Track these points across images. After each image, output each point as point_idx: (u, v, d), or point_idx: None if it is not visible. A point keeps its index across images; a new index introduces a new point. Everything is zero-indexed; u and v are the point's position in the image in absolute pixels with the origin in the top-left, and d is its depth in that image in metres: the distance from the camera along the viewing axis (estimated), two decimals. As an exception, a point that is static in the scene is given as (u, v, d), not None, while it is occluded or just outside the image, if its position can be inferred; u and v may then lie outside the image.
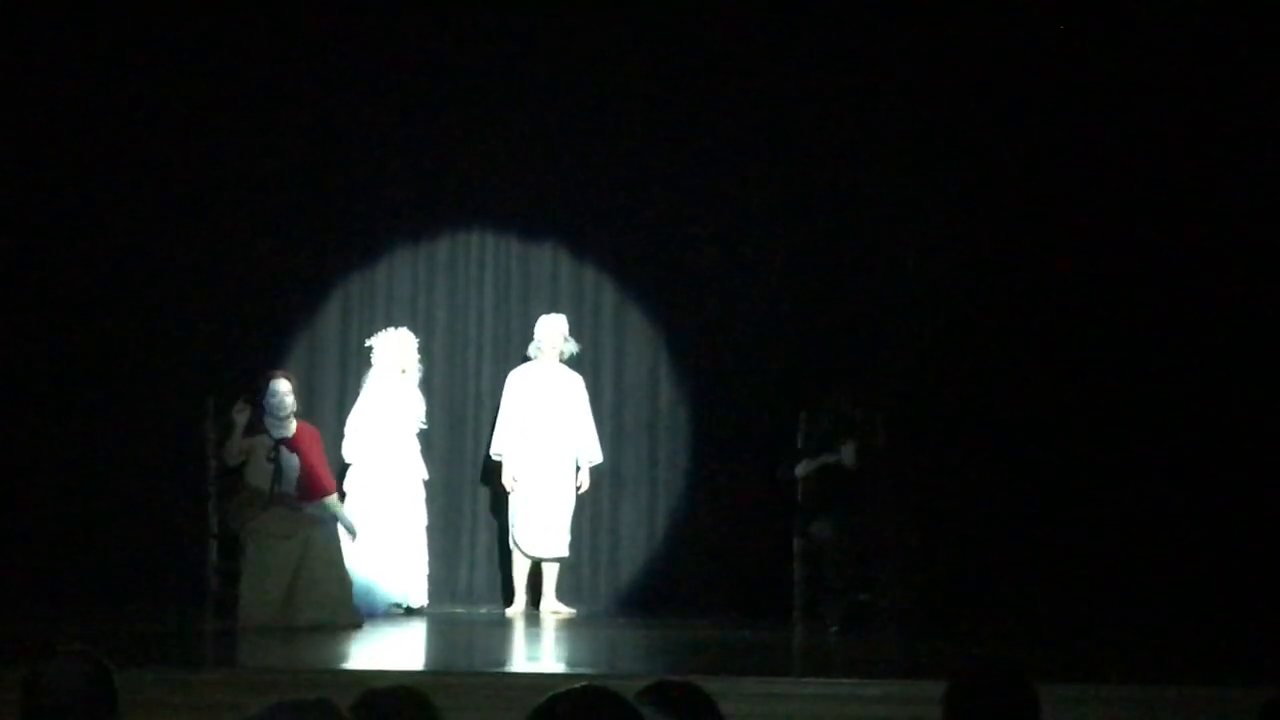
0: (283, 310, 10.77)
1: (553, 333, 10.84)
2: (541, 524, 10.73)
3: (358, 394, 10.86)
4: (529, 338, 11.26)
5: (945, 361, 10.81)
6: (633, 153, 11.38)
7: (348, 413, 10.84)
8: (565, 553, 10.85)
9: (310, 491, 9.84)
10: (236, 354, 10.86)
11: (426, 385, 11.06)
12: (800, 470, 10.38)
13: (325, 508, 9.95)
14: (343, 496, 10.68)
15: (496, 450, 10.92)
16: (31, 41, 10.40)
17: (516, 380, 10.90)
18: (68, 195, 10.77)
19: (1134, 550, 10.38)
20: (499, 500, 11.17)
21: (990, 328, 10.82)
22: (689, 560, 11.23)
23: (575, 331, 11.06)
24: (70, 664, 4.52)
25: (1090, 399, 10.66)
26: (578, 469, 10.97)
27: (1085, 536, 10.53)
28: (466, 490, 11.39)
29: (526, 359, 11.05)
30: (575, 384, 10.86)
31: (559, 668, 8.72)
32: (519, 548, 10.84)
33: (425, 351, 11.05)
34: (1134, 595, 10.24)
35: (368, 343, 10.83)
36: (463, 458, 11.37)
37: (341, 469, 10.79)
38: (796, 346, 11.19)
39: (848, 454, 10.23)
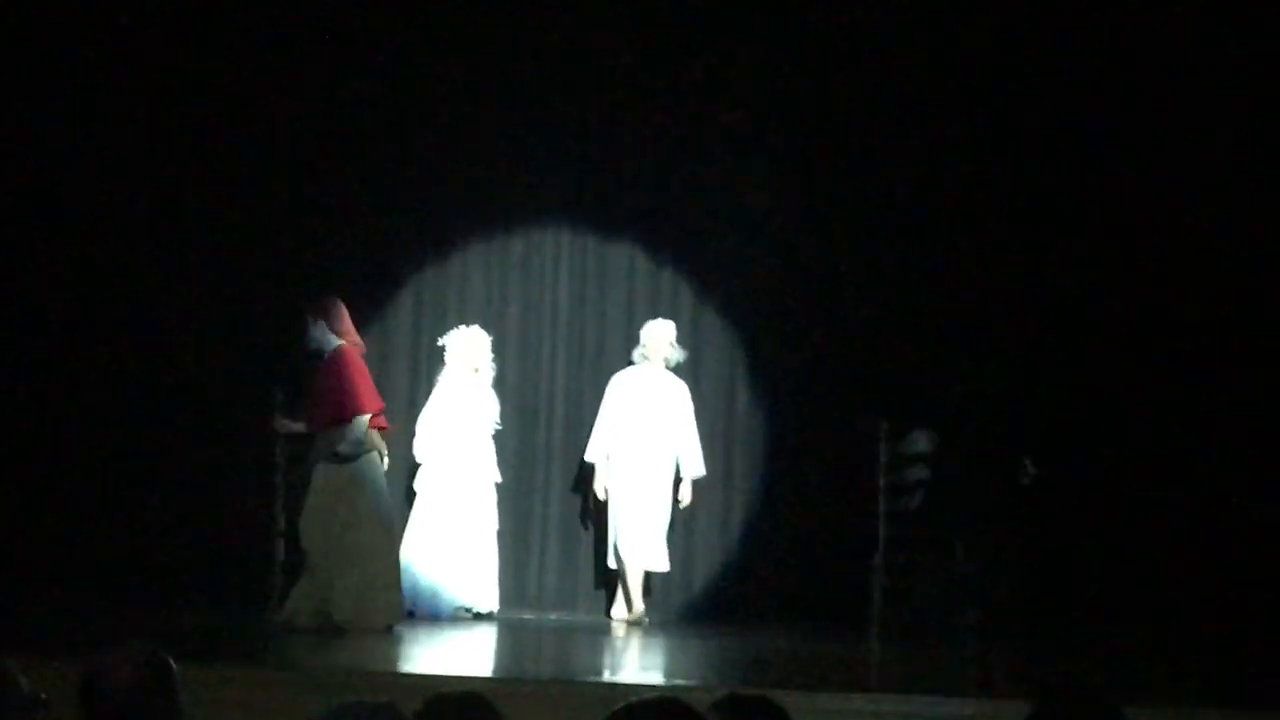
0: (353, 308, 10.16)
1: (660, 338, 10.64)
2: (642, 535, 10.53)
3: (430, 393, 10.81)
4: (604, 338, 11.15)
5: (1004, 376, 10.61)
6: (714, 153, 11.22)
7: (419, 412, 10.78)
8: (666, 566, 10.68)
9: (326, 415, 9.27)
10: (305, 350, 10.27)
11: (499, 386, 10.97)
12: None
13: (350, 432, 9.34)
14: (412, 497, 10.57)
15: (591, 456, 10.73)
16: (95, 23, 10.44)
17: (619, 384, 10.67)
18: (131, 194, 10.83)
19: (1225, 570, 10.23)
20: (595, 507, 11.00)
21: (1071, 339, 10.71)
22: (764, 570, 11.09)
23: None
24: (130, 659, 4.47)
25: (1193, 418, 10.53)
26: (678, 481, 10.72)
27: (1173, 553, 10.34)
28: (538, 494, 11.26)
29: (630, 363, 10.84)
30: (680, 392, 10.65)
31: (631, 677, 8.58)
32: (620, 557, 10.62)
33: (498, 351, 10.95)
34: (1224, 616, 10.13)
35: (440, 341, 10.76)
36: (535, 461, 11.24)
37: (412, 468, 10.74)
38: (877, 355, 10.95)
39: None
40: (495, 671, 8.82)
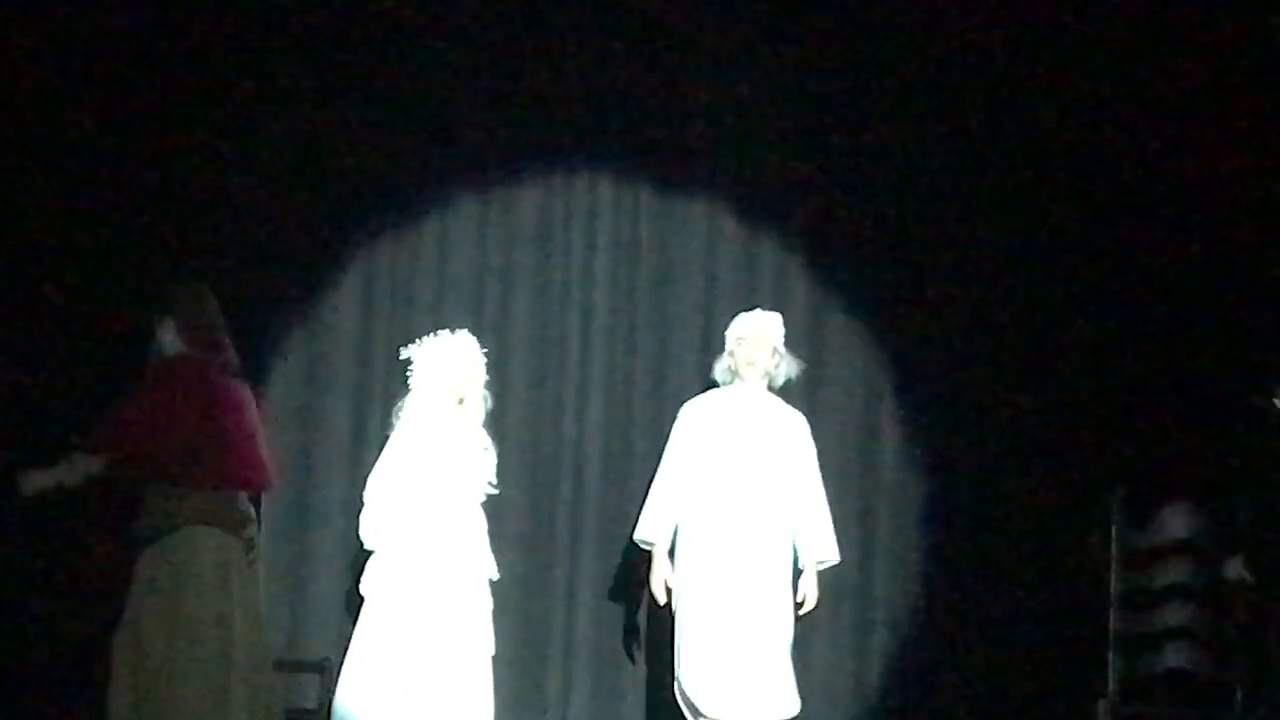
0: (271, 300, 8.80)
1: (761, 341, 8.40)
2: (729, 662, 8.15)
3: (384, 438, 8.51)
4: (666, 347, 9.15)
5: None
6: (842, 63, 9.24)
7: (369, 466, 8.44)
8: (777, 714, 8.24)
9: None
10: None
11: (496, 426, 8.61)
12: None
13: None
14: (356, 607, 8.27)
15: (647, 533, 8.49)
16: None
17: (694, 418, 8.55)
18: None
19: None
20: (650, 617, 8.92)
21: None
22: (931, 666, 9.01)
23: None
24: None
25: None
26: (798, 572, 8.40)
27: None
28: (557, 598, 9.09)
29: (712, 384, 8.63)
30: (795, 428, 8.45)
31: None
32: (687, 699, 8.28)
33: (497, 371, 8.69)
34: None
35: (404, 354, 8.45)
36: (553, 545, 9.12)
37: (356, 561, 8.40)
38: (1105, 383, 9.01)
39: None
40: None
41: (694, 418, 8.57)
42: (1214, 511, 8.41)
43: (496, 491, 8.44)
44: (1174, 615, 8.27)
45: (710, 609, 8.25)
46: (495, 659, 8.37)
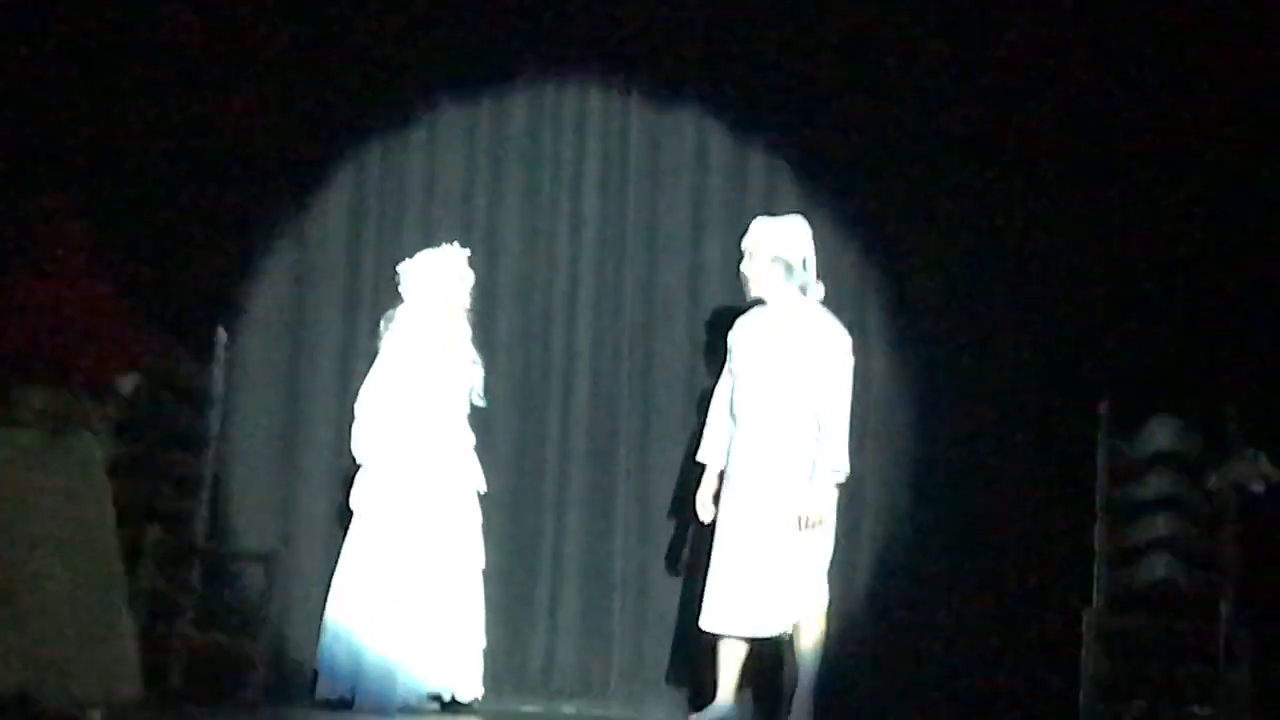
0: (260, 212, 8.49)
1: (751, 256, 7.94)
2: (725, 578, 7.86)
3: (374, 349, 8.36)
4: (654, 262, 8.75)
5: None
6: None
7: (357, 381, 8.31)
8: (773, 629, 7.84)
9: None
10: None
11: (486, 338, 8.54)
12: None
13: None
14: (347, 521, 8.07)
15: (700, 454, 8.15)
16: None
17: (733, 337, 8.11)
18: None
19: None
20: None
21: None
22: (900, 645, 8.57)
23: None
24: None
25: None
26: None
27: None
28: (549, 513, 8.75)
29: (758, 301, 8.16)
30: (817, 344, 7.88)
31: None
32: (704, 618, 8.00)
33: (485, 283, 8.53)
34: None
35: (397, 268, 8.30)
36: (543, 460, 8.79)
37: (347, 476, 8.21)
38: (1092, 286, 8.63)
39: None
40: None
41: (733, 336, 8.17)
42: (1201, 424, 8.07)
43: (484, 404, 8.26)
44: (1160, 527, 7.95)
45: (721, 527, 7.95)
46: (485, 573, 8.18)
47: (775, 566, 7.72)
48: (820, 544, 7.69)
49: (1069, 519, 8.24)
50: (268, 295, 8.57)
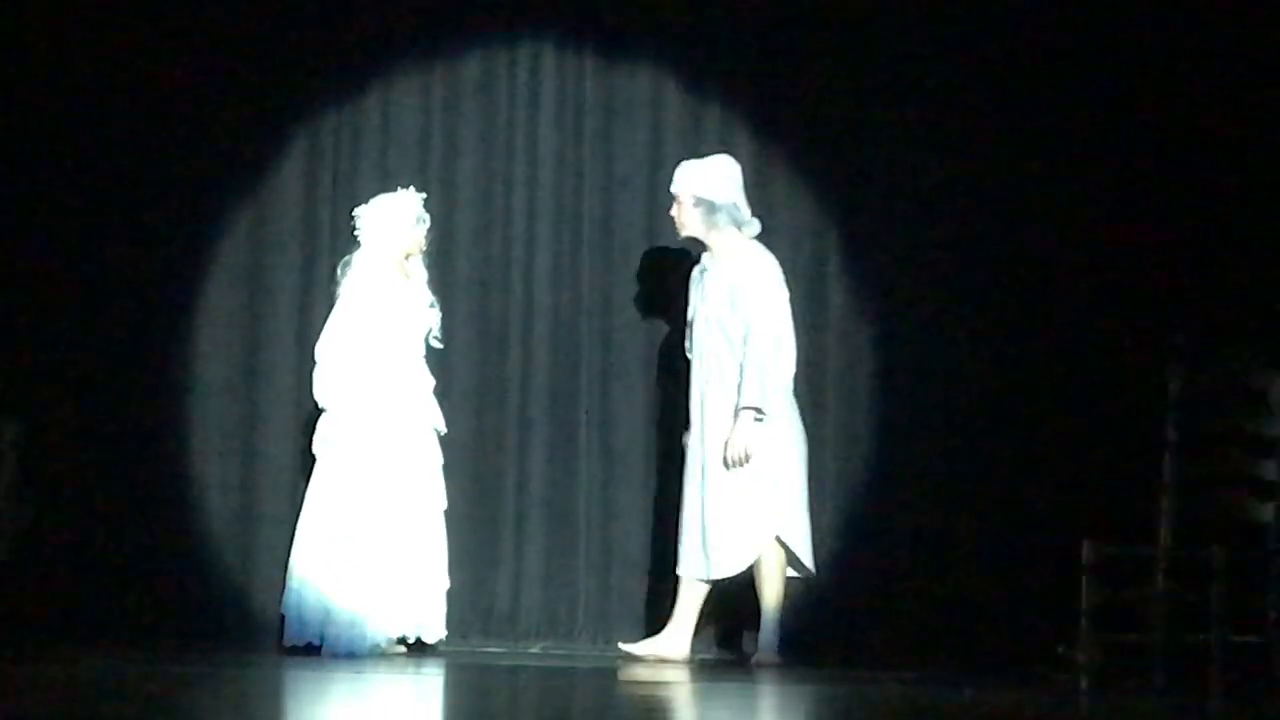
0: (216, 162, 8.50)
1: (675, 199, 7.99)
2: (688, 520, 8.01)
3: (331, 295, 8.37)
4: (624, 202, 8.70)
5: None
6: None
7: (317, 325, 8.33)
8: (719, 571, 7.96)
9: None
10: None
11: (445, 282, 8.61)
12: None
13: None
14: (309, 466, 8.13)
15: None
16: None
17: (692, 278, 8.22)
18: None
19: None
20: (605, 479, 8.70)
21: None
22: (883, 590, 8.53)
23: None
24: None
25: None
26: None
27: None
28: (512, 454, 8.75)
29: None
30: (737, 281, 7.92)
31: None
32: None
33: (443, 229, 8.60)
34: None
35: (354, 213, 8.27)
36: (505, 402, 8.79)
37: (308, 420, 8.24)
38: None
39: None
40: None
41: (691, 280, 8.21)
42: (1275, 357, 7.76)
43: (441, 346, 8.29)
44: (1232, 461, 7.62)
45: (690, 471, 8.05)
46: (448, 514, 8.23)
47: (714, 509, 7.83)
48: (756, 482, 7.76)
49: (1138, 452, 7.95)
50: (225, 244, 8.52)
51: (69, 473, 8.43)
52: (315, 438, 8.04)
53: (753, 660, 7.90)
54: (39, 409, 8.42)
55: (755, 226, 7.94)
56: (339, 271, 8.11)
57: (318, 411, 8.11)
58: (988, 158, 8.55)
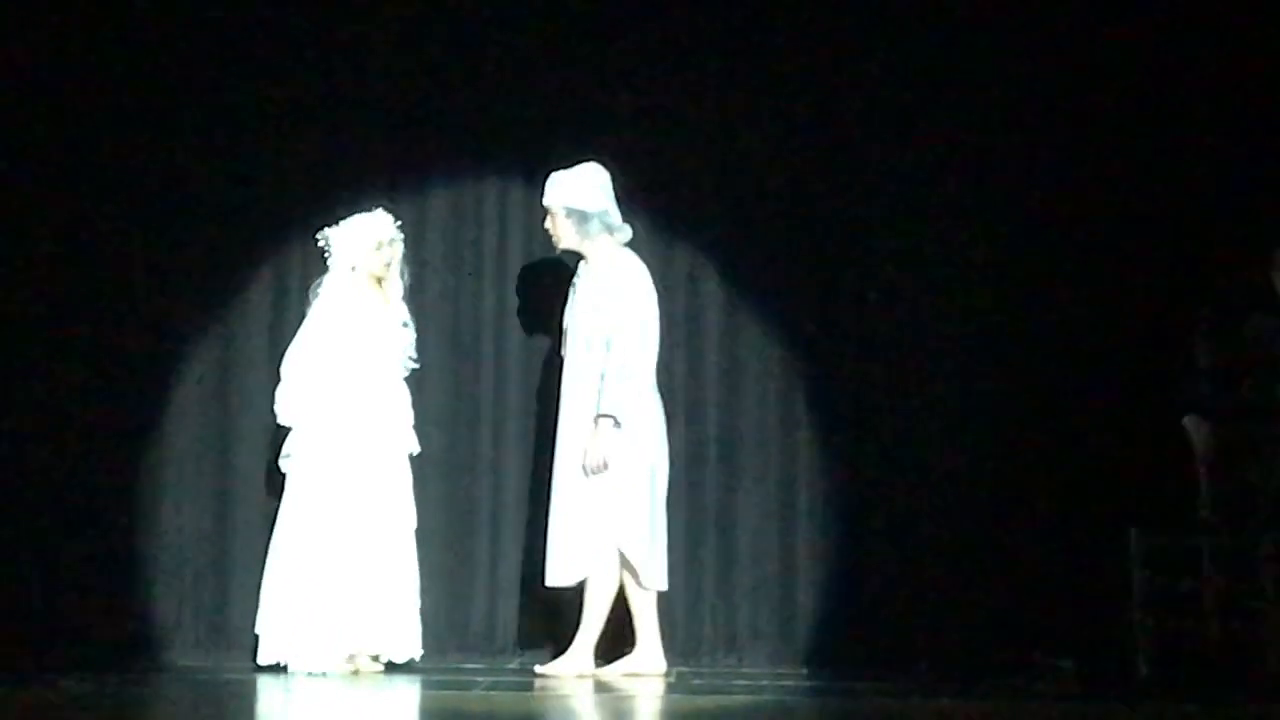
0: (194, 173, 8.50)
1: (548, 215, 8.03)
2: (551, 527, 8.01)
3: (302, 315, 8.30)
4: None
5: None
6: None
7: (288, 344, 8.28)
8: (559, 579, 7.96)
9: None
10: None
11: (416, 299, 8.45)
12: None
13: None
14: (279, 485, 8.12)
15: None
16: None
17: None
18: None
19: None
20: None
21: None
22: (891, 590, 8.51)
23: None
24: None
25: None
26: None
27: None
28: (485, 473, 8.69)
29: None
30: (605, 290, 7.93)
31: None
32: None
33: (415, 246, 8.50)
34: None
35: (318, 237, 8.21)
36: (478, 420, 8.73)
37: (276, 439, 8.20)
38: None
39: None
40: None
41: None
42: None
43: (417, 366, 8.27)
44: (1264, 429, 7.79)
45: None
46: (423, 531, 8.19)
47: (557, 516, 7.85)
48: (600, 493, 7.75)
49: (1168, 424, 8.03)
50: (197, 262, 8.46)
51: (40, 483, 8.42)
52: (281, 454, 8.03)
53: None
54: (12, 420, 8.44)
55: (627, 233, 7.96)
56: (310, 294, 8.09)
57: (282, 432, 8.07)
58: (1020, 130, 8.53)
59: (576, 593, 7.96)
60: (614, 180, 8.08)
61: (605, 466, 7.71)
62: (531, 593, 8.40)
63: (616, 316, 7.79)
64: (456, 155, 8.65)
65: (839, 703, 7.59)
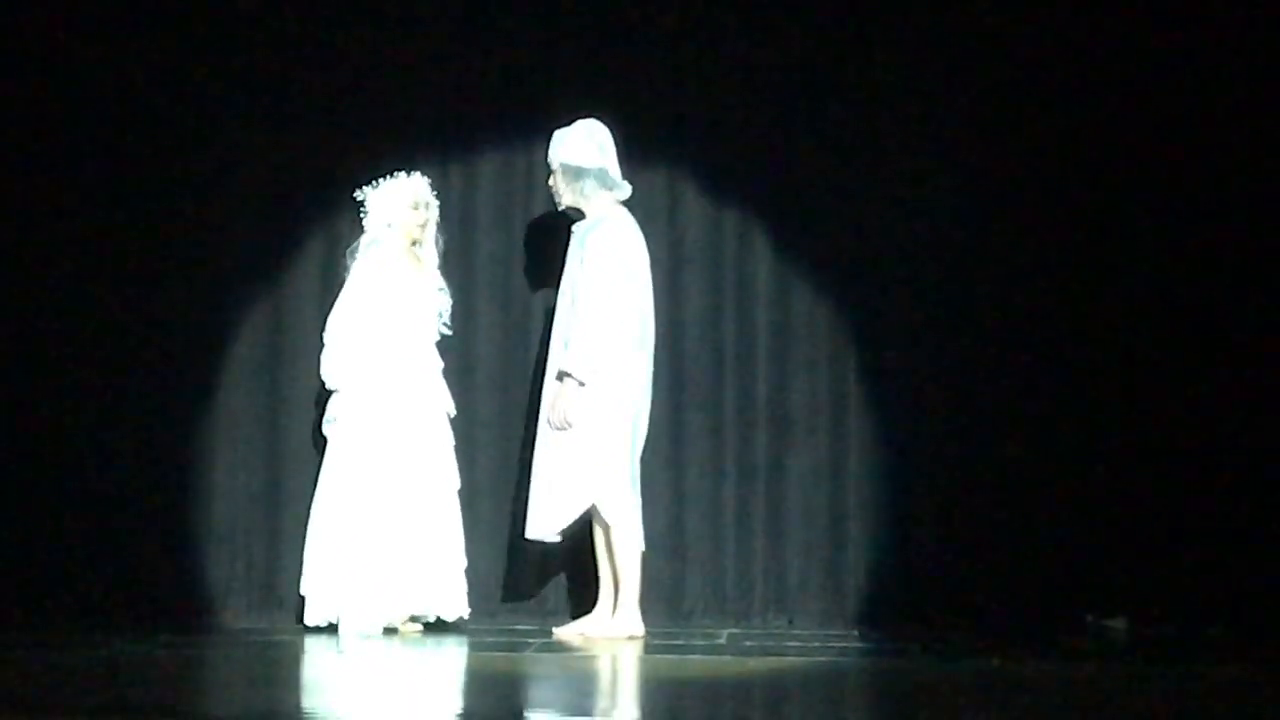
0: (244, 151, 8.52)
1: (555, 160, 8.08)
2: (531, 482, 8.12)
3: (341, 280, 8.46)
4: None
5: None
6: None
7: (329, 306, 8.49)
8: (533, 532, 8.06)
9: None
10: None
11: (465, 261, 8.64)
12: None
13: None
14: (322, 447, 8.27)
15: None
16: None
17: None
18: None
19: None
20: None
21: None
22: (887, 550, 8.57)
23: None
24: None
25: None
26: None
27: None
28: (516, 430, 8.62)
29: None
30: (587, 246, 8.00)
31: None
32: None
33: (464, 208, 8.64)
34: None
35: (358, 194, 8.29)
36: (528, 377, 8.66)
37: (320, 400, 8.34)
38: None
39: None
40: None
41: None
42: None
43: (450, 331, 8.36)
44: None
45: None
46: (473, 493, 8.38)
47: (538, 469, 7.93)
48: (577, 449, 7.81)
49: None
50: (250, 222, 8.51)
51: (96, 449, 8.58)
52: (324, 418, 8.19)
53: (586, 632, 7.91)
54: (70, 386, 8.60)
55: (625, 191, 8.02)
56: (347, 258, 8.23)
57: (326, 393, 8.22)
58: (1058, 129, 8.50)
59: (593, 555, 8.06)
60: (665, 143, 8.16)
61: (568, 424, 7.80)
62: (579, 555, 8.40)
63: (589, 276, 7.85)
64: (507, 116, 8.64)
65: (890, 663, 7.70)
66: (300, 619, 8.09)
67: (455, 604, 8.17)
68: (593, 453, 7.84)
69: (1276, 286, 8.40)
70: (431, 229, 8.22)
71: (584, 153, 7.94)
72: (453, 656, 7.83)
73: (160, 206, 8.65)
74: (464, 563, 8.14)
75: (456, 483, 8.15)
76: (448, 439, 8.14)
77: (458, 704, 6.95)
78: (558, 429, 7.83)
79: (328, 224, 8.66)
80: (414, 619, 8.13)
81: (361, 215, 8.26)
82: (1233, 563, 8.20)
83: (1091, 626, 8.15)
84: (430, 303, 8.24)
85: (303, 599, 8.06)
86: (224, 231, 8.58)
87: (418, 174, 8.24)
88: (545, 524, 7.96)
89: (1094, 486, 8.39)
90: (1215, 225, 8.41)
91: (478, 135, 8.73)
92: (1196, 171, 8.43)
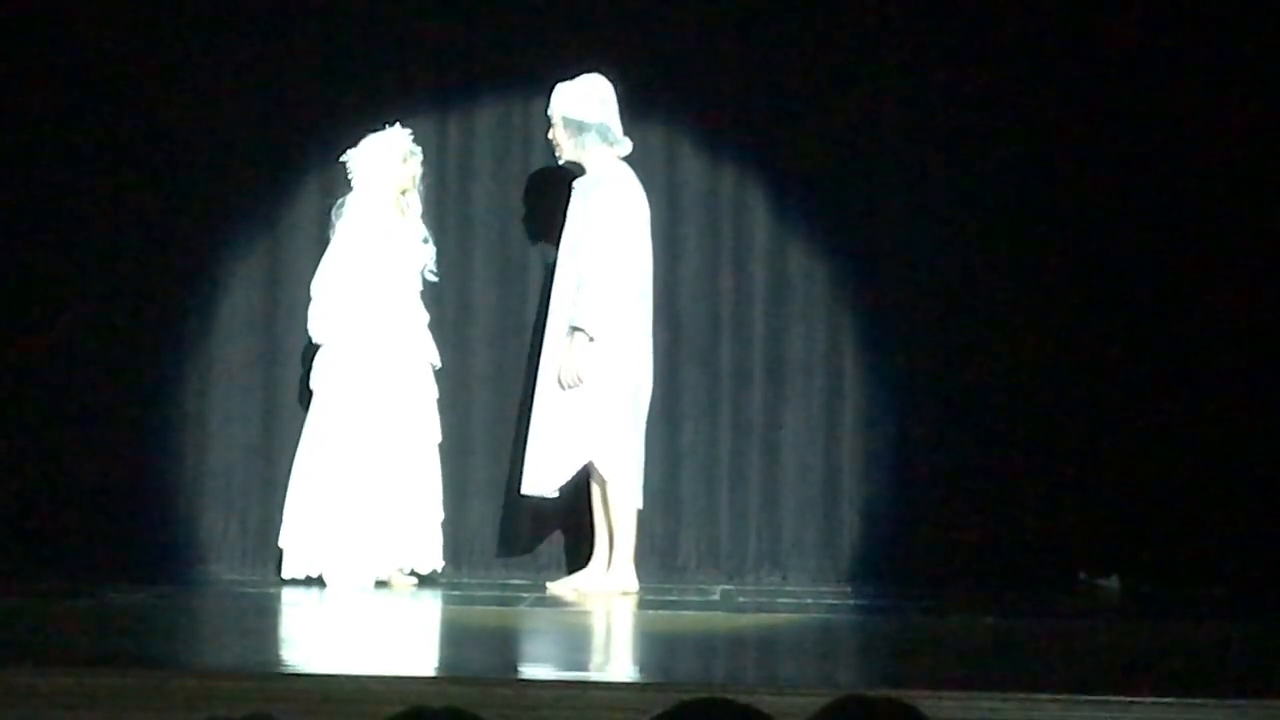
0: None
1: (556, 114, 8.09)
2: (530, 438, 8.17)
3: (328, 237, 8.48)
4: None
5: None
6: None
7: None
8: (535, 488, 8.15)
9: None
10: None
11: (462, 212, 8.70)
12: None
13: None
14: (307, 400, 8.34)
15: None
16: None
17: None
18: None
19: None
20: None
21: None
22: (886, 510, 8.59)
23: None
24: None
25: None
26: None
27: None
28: (510, 383, 8.69)
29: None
30: (592, 200, 8.06)
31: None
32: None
33: (461, 159, 8.68)
34: None
35: (342, 159, 8.37)
36: (524, 329, 8.71)
37: (307, 357, 8.43)
38: None
39: None
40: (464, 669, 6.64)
41: None
42: None
43: (435, 280, 8.40)
44: None
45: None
46: (465, 448, 8.48)
47: (536, 425, 8.05)
48: (578, 405, 7.88)
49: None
50: (244, 177, 8.56)
51: (89, 396, 8.59)
52: (312, 373, 8.25)
53: (579, 587, 7.96)
54: (61, 333, 8.60)
55: (626, 146, 8.07)
56: (333, 214, 8.29)
57: (313, 348, 8.28)
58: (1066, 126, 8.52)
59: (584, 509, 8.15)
60: (663, 97, 8.22)
61: (580, 380, 7.88)
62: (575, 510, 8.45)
63: (593, 231, 7.92)
64: (507, 69, 8.66)
65: (883, 621, 7.84)
66: (279, 571, 8.16)
67: (430, 557, 8.23)
68: (593, 408, 7.92)
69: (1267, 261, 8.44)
70: (416, 174, 8.26)
71: (586, 107, 7.99)
72: (444, 611, 7.93)
73: (156, 159, 8.65)
74: (441, 515, 8.20)
75: (437, 436, 8.22)
76: (431, 392, 8.22)
77: (449, 658, 7.11)
78: (569, 387, 7.91)
79: (324, 177, 8.63)
80: (411, 573, 8.19)
81: (349, 177, 8.26)
82: (1226, 522, 8.22)
83: (1084, 584, 8.25)
84: (415, 254, 8.31)
85: (281, 551, 8.13)
86: (219, 185, 8.61)
87: (399, 126, 8.27)
88: (543, 480, 8.04)
89: (1088, 445, 8.42)
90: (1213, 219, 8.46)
91: (476, 87, 8.68)
92: (1197, 170, 8.43)
